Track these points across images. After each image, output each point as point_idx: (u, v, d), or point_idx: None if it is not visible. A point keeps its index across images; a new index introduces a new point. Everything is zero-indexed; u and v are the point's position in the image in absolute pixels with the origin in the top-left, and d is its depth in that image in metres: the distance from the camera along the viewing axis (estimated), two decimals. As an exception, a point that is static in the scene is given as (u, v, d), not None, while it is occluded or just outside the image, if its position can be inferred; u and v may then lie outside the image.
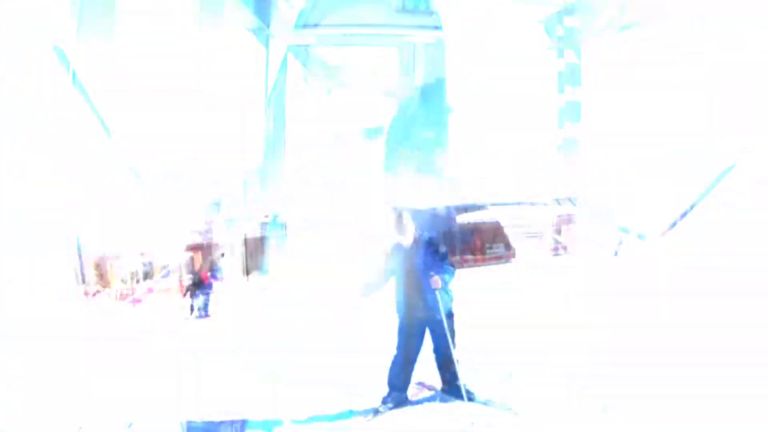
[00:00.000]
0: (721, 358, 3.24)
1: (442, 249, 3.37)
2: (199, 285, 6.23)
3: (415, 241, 3.32)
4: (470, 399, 3.15)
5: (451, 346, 3.22)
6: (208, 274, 7.62)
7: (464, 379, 3.26)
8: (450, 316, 3.26)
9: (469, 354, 4.44)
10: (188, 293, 6.09)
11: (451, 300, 3.30)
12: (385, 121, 5.41)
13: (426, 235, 3.37)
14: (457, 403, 3.17)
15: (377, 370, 3.83)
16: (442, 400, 3.27)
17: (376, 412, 3.18)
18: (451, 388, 3.26)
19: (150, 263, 5.60)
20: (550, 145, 5.70)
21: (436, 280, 3.18)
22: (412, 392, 3.38)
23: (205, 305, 8.46)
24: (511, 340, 5.00)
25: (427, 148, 5.22)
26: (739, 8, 4.58)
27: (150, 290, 5.48)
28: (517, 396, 3.28)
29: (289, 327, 4.25)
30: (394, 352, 3.31)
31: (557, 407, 3.10)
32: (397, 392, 3.26)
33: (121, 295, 5.25)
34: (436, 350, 3.27)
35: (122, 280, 5.36)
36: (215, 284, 8.47)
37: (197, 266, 6.17)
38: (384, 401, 3.24)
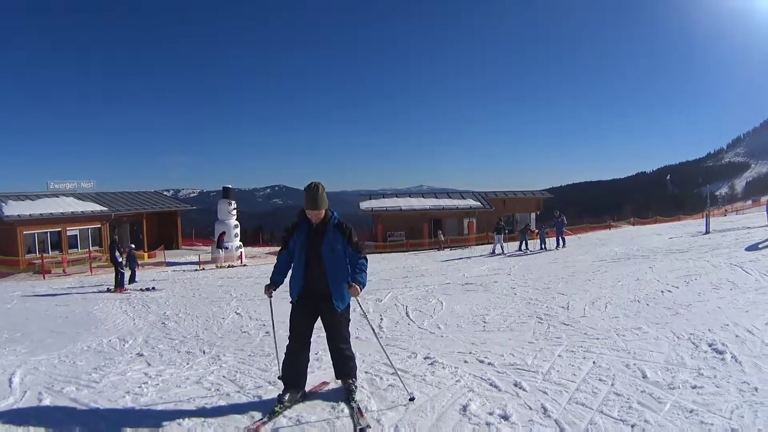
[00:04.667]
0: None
1: (354, 238, 2.93)
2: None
3: (324, 222, 2.87)
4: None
5: (347, 336, 3.04)
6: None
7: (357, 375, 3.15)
8: (347, 306, 3.01)
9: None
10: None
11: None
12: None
13: (337, 218, 2.92)
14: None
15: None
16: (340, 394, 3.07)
17: (272, 412, 2.86)
18: (343, 380, 3.07)
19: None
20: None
21: (356, 290, 2.84)
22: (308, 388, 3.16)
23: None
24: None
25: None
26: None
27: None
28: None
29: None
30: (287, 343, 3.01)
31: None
32: (294, 388, 3.00)
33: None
34: (330, 339, 3.01)
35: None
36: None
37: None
38: (280, 399, 2.96)
